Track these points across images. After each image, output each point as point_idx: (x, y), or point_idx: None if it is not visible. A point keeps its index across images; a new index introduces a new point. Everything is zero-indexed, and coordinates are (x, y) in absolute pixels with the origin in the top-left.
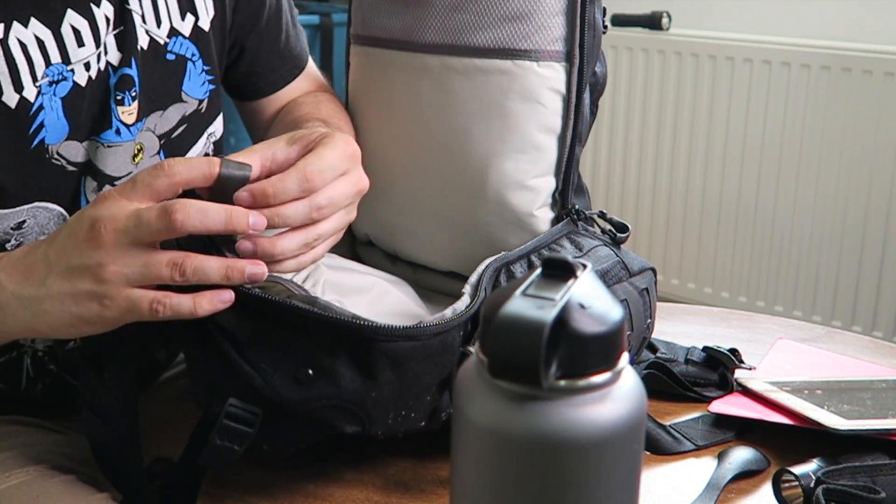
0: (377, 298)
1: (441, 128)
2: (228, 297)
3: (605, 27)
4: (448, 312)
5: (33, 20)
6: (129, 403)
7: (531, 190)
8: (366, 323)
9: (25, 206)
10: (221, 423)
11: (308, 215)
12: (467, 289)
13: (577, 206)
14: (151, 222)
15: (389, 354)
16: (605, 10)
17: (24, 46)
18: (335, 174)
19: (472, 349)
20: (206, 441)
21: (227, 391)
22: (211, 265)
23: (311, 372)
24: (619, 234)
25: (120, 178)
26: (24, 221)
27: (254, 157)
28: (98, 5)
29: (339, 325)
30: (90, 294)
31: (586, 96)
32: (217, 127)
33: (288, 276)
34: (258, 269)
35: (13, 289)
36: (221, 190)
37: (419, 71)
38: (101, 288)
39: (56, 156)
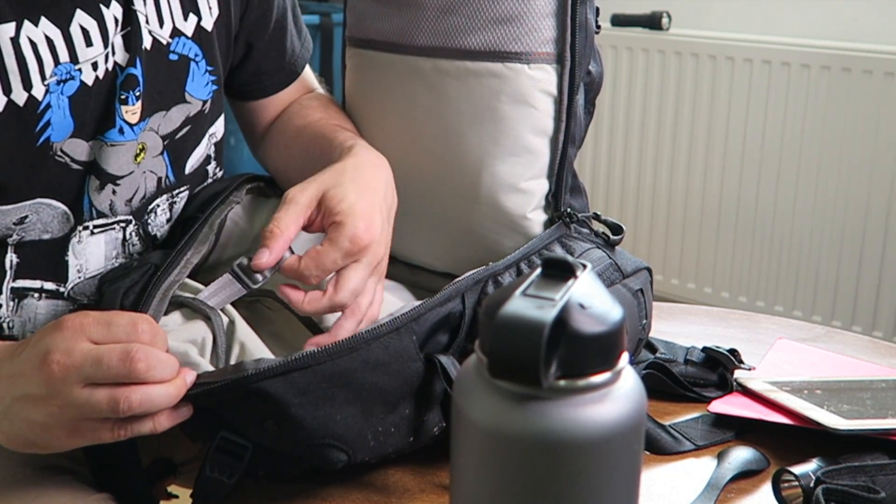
0: None
1: (434, 131)
2: (186, 412)
3: (598, 27)
4: (384, 317)
5: (43, 19)
6: (128, 451)
7: (524, 193)
8: (293, 357)
9: (28, 202)
10: (212, 454)
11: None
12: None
13: (570, 209)
14: (112, 366)
15: (333, 375)
16: (598, 9)
17: (34, 45)
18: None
19: (442, 358)
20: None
21: (219, 422)
22: (158, 392)
23: (272, 422)
24: (612, 236)
25: (122, 176)
26: (26, 217)
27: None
28: (107, 6)
29: (271, 374)
30: (42, 425)
31: (579, 97)
32: (219, 128)
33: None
34: (190, 377)
35: None
36: None
37: (412, 73)
38: (52, 420)
39: (60, 153)
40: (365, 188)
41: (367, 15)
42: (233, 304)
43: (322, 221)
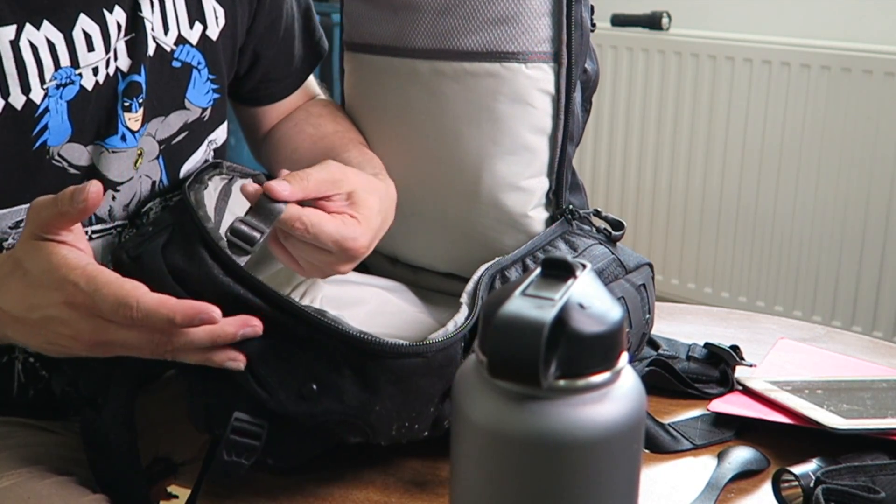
0: (377, 309)
1: (433, 132)
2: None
3: (594, 25)
4: (450, 326)
5: (46, 23)
6: (127, 433)
7: (524, 191)
8: (374, 339)
9: (24, 206)
10: (228, 438)
11: None
12: (465, 298)
13: (571, 206)
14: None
15: (395, 370)
16: (592, 7)
17: (34, 49)
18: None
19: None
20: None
21: (230, 409)
22: (199, 336)
23: (315, 387)
24: (614, 232)
25: (122, 183)
26: (21, 220)
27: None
28: (111, 11)
29: (347, 339)
30: (70, 337)
31: (577, 95)
32: (219, 134)
33: (285, 293)
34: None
35: (8, 309)
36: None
37: (410, 76)
38: (81, 335)
39: (57, 157)
40: (383, 224)
41: (364, 19)
42: None
43: (336, 208)
